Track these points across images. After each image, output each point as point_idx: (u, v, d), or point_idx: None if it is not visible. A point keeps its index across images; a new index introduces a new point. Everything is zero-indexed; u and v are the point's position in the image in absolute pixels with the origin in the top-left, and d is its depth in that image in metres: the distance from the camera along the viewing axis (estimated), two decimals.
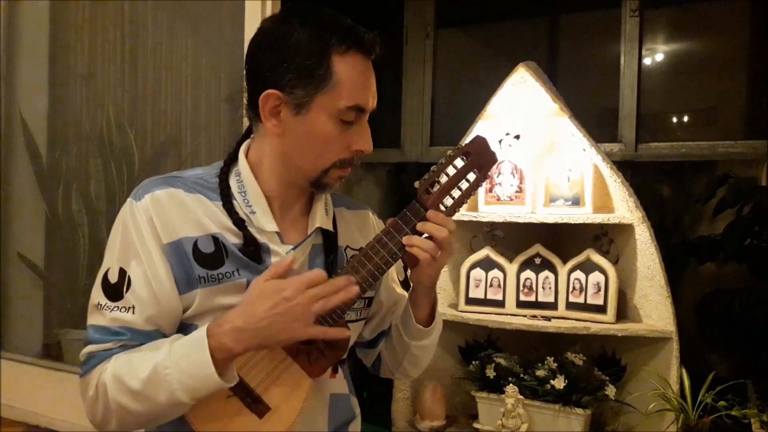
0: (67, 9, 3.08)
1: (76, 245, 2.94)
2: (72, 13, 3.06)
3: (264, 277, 0.98)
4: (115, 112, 2.90)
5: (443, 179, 1.07)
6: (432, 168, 1.07)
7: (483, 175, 1.08)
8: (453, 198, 1.07)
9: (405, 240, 1.03)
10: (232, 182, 1.08)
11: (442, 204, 1.06)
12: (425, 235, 1.04)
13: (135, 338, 1.00)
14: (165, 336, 1.02)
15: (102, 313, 1.01)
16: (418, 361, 1.23)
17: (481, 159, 1.08)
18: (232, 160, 1.11)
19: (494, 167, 1.10)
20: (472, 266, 2.30)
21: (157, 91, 2.87)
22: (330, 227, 1.14)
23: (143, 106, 2.89)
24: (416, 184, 1.07)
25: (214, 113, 2.74)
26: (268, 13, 2.23)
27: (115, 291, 1.01)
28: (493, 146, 1.10)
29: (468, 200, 1.10)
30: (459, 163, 1.07)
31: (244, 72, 1.07)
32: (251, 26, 2.22)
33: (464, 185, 1.07)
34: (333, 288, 0.98)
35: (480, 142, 1.08)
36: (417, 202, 1.06)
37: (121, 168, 2.85)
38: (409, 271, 1.13)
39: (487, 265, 2.29)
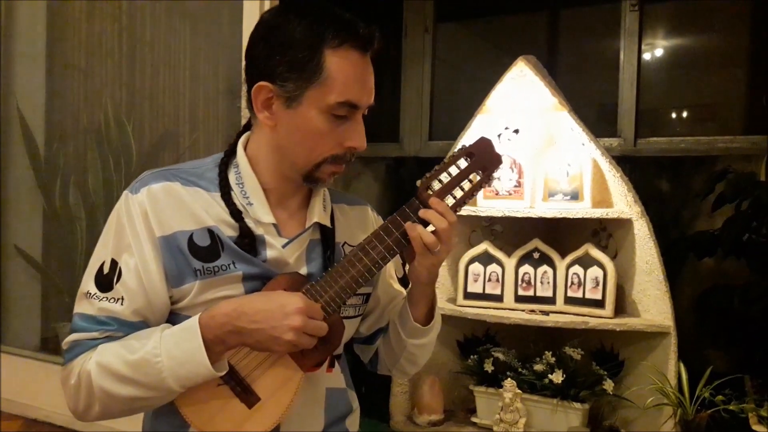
0: (64, 3, 3.06)
1: (74, 239, 2.94)
2: (69, 7, 3.05)
3: (294, 296, 0.98)
4: (113, 105, 2.89)
5: (445, 178, 1.06)
6: (435, 167, 1.07)
7: (486, 177, 1.07)
8: (454, 198, 1.07)
9: (408, 227, 1.02)
10: (231, 174, 1.08)
11: None
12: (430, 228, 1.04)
13: (121, 329, 1.00)
14: None
15: (90, 302, 1.01)
16: (416, 359, 1.23)
17: (485, 160, 1.07)
18: (231, 152, 1.11)
19: (498, 170, 1.09)
20: (471, 261, 2.30)
21: (154, 85, 2.86)
22: (328, 223, 1.14)
23: (141, 100, 2.88)
24: (418, 182, 1.06)
25: (212, 107, 2.73)
26: (266, 6, 2.22)
27: (105, 281, 1.01)
28: (498, 148, 1.09)
29: (469, 201, 1.09)
30: (462, 163, 1.06)
31: (243, 64, 1.07)
32: (249, 19, 2.21)
33: (466, 185, 1.07)
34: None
35: (485, 144, 1.07)
36: (417, 199, 1.05)
37: (118, 162, 2.85)
38: (407, 268, 1.12)
39: (485, 259, 2.29)
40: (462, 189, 1.07)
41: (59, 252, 3.05)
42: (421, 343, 1.19)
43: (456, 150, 1.08)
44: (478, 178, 1.07)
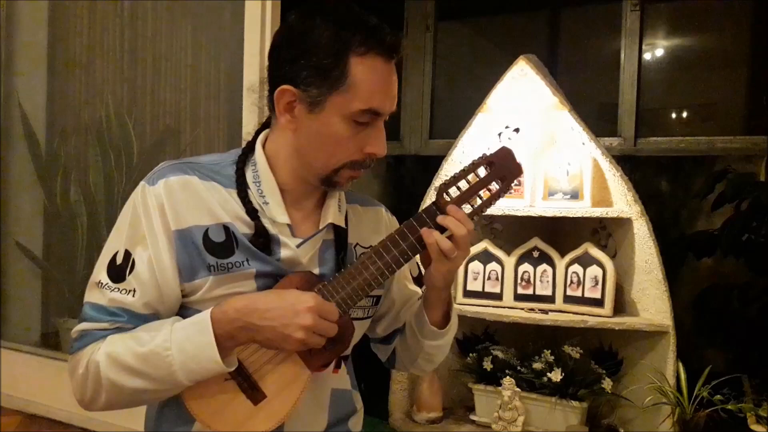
0: None
1: (75, 235, 2.94)
2: (71, 3, 3.05)
3: (305, 295, 0.98)
4: (114, 102, 2.90)
5: (464, 186, 1.06)
6: (454, 174, 1.07)
7: (506, 186, 1.07)
8: (472, 206, 1.07)
9: (425, 233, 1.02)
10: (248, 172, 1.08)
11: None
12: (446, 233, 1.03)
13: (131, 321, 1.00)
14: None
15: (102, 292, 1.01)
16: (433, 358, 1.24)
17: (505, 170, 1.07)
18: (249, 149, 1.10)
19: (518, 180, 1.09)
20: (470, 259, 2.30)
21: (156, 81, 2.86)
22: (342, 223, 1.13)
23: (142, 97, 2.88)
24: (435, 188, 1.06)
25: (213, 104, 2.73)
26: (268, 5, 2.21)
27: (118, 272, 1.01)
28: (519, 158, 1.08)
29: (486, 210, 1.08)
30: (482, 171, 1.06)
31: (266, 64, 1.06)
32: (251, 15, 2.21)
33: (485, 194, 1.07)
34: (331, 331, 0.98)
35: (506, 153, 1.07)
36: (434, 205, 1.05)
37: (119, 158, 2.85)
38: (423, 270, 1.12)
39: (485, 257, 2.30)
40: (480, 198, 1.07)
41: (60, 248, 3.06)
42: (438, 344, 1.19)
43: (477, 158, 1.07)
44: (497, 187, 1.07)
